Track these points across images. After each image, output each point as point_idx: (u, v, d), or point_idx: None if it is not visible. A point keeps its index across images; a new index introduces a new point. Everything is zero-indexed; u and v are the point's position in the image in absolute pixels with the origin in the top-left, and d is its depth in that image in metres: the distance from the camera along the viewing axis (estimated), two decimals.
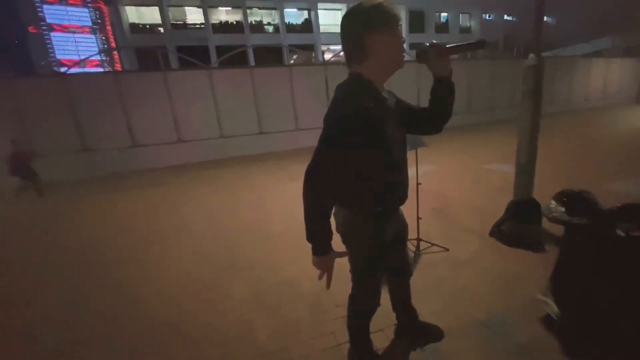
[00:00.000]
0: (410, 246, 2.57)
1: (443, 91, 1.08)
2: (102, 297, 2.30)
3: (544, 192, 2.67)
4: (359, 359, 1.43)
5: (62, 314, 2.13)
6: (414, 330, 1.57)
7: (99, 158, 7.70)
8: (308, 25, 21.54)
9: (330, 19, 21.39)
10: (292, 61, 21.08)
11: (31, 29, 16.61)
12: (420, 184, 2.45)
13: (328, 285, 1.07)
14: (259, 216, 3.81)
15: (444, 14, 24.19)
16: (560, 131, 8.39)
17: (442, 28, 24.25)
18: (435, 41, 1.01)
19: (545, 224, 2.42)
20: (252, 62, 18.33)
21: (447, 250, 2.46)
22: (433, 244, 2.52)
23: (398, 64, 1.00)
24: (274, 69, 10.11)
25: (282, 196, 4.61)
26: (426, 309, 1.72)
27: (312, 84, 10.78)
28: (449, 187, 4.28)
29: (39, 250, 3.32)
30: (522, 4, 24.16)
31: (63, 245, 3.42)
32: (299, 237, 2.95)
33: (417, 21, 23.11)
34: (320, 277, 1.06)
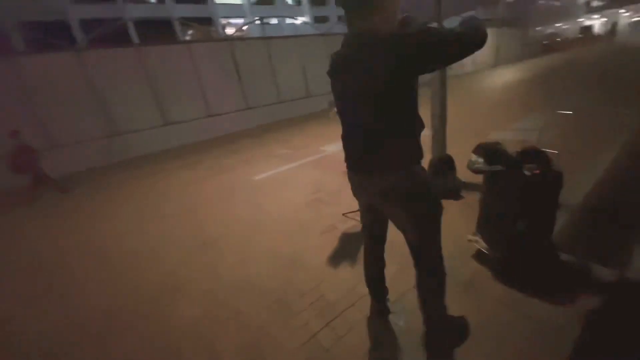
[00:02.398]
0: (356, 216, 2.65)
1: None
2: None
3: (452, 149, 3.09)
4: (459, 333, 1.38)
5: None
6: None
7: None
8: None
9: None
10: (187, 37, 18.53)
11: None
12: None
13: None
14: (190, 222, 3.34)
15: None
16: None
17: None
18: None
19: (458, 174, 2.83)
20: (135, 39, 15.30)
21: None
22: None
23: (397, 19, 1.04)
24: (169, 48, 8.65)
25: (214, 194, 4.16)
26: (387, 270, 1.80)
27: (219, 63, 9.75)
28: None
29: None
30: None
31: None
32: (240, 238, 2.76)
33: None
34: None
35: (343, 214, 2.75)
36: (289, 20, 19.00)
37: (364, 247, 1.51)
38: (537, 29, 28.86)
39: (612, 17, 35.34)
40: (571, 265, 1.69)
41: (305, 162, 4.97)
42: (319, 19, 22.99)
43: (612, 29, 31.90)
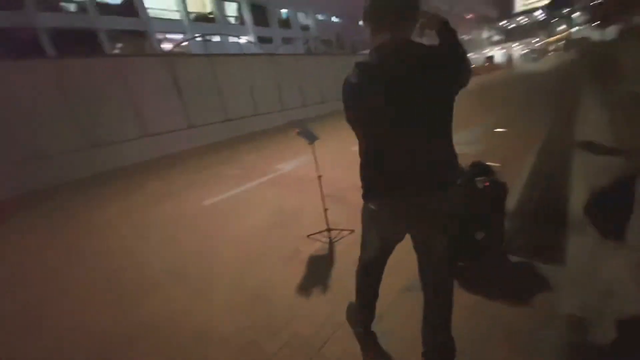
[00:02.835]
0: (322, 237, 2.57)
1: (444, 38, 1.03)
2: None
3: None
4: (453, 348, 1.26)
5: None
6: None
7: None
8: (130, 7, 17.63)
9: (161, 2, 18.25)
10: (116, 51, 16.93)
11: None
12: (321, 175, 2.44)
13: None
14: (128, 260, 2.84)
15: (284, 10, 25.64)
16: None
17: (285, 24, 25.74)
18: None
19: None
20: (51, 50, 13.36)
21: (353, 231, 2.60)
22: (340, 230, 2.61)
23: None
24: (95, 61, 7.73)
25: (156, 224, 3.65)
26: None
27: (157, 79, 9.04)
28: (332, 173, 4.63)
29: None
30: (346, 9, 29.10)
31: None
32: (193, 275, 2.40)
33: (261, 15, 23.49)
34: None
35: (308, 236, 2.63)
36: (232, 39, 18.78)
37: (362, 275, 1.40)
38: None
39: (508, 50, 43.74)
40: (521, 266, 1.86)
41: (260, 182, 4.76)
42: (262, 39, 23.28)
43: (509, 59, 39.22)
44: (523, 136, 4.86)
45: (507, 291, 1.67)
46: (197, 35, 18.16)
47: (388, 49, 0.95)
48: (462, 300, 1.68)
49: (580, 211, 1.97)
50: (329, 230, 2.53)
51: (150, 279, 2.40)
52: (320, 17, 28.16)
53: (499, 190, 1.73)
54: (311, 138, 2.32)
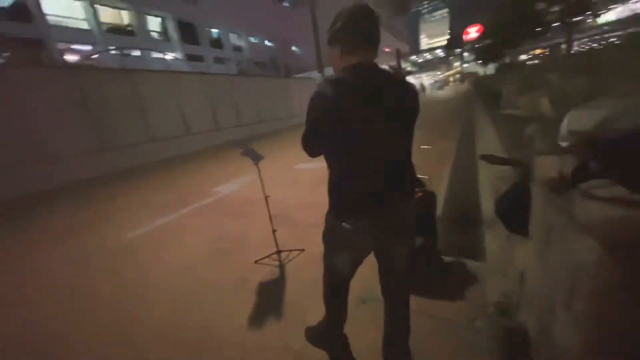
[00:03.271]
0: (271, 261, 2.45)
1: None
2: None
3: None
4: None
5: None
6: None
7: None
8: (24, 11, 14.90)
9: (62, 9, 15.88)
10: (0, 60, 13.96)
11: None
12: (268, 196, 2.36)
13: None
14: (31, 313, 2.19)
15: (214, 30, 25.13)
16: None
17: (217, 44, 25.18)
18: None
19: None
20: None
21: (303, 250, 2.57)
22: (290, 250, 2.54)
23: None
24: None
25: (63, 266, 2.96)
26: (317, 310, 1.68)
27: (59, 95, 7.71)
28: (276, 192, 4.55)
29: None
30: (278, 35, 30.14)
31: None
32: (121, 322, 2.00)
33: (191, 33, 22.53)
34: None
35: (255, 262, 2.48)
36: (156, 55, 17.42)
37: (333, 297, 1.35)
38: None
39: (420, 80, 51.54)
40: (453, 264, 2.10)
41: (196, 207, 4.35)
42: (193, 57, 22.24)
43: (422, 86, 46.11)
44: (440, 152, 5.66)
45: (444, 289, 1.85)
46: (110, 48, 16.26)
47: (366, 71, 0.98)
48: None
49: (491, 213, 2.35)
50: (278, 252, 2.44)
51: (58, 337, 1.89)
52: (253, 39, 28.50)
53: (430, 199, 1.96)
54: (256, 158, 2.25)
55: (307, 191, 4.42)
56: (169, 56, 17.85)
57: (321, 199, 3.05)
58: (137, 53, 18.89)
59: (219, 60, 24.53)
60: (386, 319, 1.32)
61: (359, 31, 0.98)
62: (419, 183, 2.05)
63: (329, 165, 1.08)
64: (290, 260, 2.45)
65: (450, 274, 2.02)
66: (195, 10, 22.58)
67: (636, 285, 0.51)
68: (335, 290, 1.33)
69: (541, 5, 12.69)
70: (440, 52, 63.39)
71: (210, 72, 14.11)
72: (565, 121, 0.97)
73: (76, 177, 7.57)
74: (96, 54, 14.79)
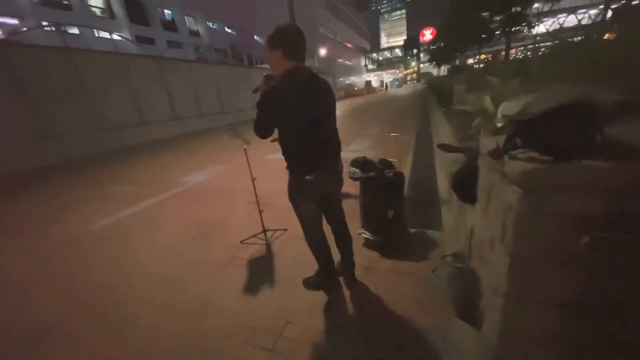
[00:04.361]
0: (257, 240, 2.61)
1: None
2: None
3: None
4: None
5: None
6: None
7: None
8: None
9: None
10: None
11: None
12: (255, 179, 2.51)
13: None
14: None
15: (167, 12, 23.23)
16: None
17: (171, 26, 23.34)
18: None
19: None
20: None
21: (286, 229, 2.76)
22: (275, 230, 2.71)
23: None
24: None
25: (18, 265, 2.75)
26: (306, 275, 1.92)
27: None
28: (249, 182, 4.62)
29: None
30: (239, 22, 28.79)
31: None
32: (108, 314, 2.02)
33: (139, 12, 20.50)
34: None
35: (241, 242, 2.61)
36: (102, 34, 15.66)
37: (316, 232, 1.75)
38: (340, 79, 38.83)
39: (380, 77, 53.59)
40: (417, 234, 2.47)
41: (165, 197, 4.24)
42: (143, 39, 20.34)
43: (383, 84, 48.12)
44: (404, 142, 6.20)
45: (411, 253, 2.21)
46: (44, 23, 14.21)
47: (308, 73, 1.46)
48: (382, 266, 2.12)
49: (446, 192, 2.79)
50: (264, 231, 2.60)
51: (55, 322, 1.85)
52: (212, 25, 26.93)
53: (400, 179, 2.29)
54: (245, 140, 2.36)
55: (280, 179, 4.52)
56: (116, 36, 16.18)
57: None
58: (74, 31, 16.72)
59: (173, 45, 22.80)
60: (338, 243, 1.92)
61: (302, 44, 1.44)
62: (390, 164, 2.37)
63: (285, 140, 1.52)
64: (275, 240, 2.63)
65: (415, 241, 2.39)
66: None
67: (545, 214, 0.85)
68: (313, 232, 1.74)
69: (485, 14, 14.18)
70: (398, 51, 66.42)
71: (168, 57, 13.13)
72: (500, 109, 1.32)
73: (16, 168, 6.68)
74: (25, 29, 12.80)
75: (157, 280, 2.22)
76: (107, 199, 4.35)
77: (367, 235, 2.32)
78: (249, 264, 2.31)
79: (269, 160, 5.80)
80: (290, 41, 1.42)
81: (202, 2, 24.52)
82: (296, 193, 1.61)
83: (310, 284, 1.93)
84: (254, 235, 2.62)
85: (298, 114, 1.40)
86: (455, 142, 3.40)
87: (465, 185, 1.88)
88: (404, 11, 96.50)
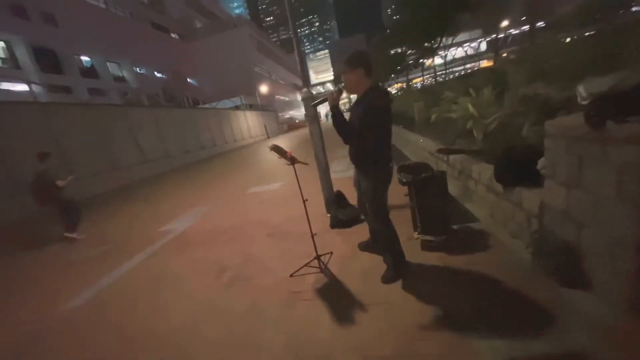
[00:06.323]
0: (309, 270, 2.36)
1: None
2: None
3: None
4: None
5: None
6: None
7: None
8: None
9: None
10: None
11: None
12: (307, 200, 2.32)
13: None
14: None
15: (85, 59, 21.21)
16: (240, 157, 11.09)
17: (91, 73, 21.24)
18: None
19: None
20: None
21: (331, 253, 2.55)
22: (324, 254, 2.48)
23: None
24: None
25: None
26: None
27: None
28: (251, 215, 4.25)
29: None
30: (170, 67, 27.80)
31: None
32: None
33: (52, 61, 18.27)
34: None
35: (291, 275, 2.31)
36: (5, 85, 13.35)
37: (388, 217, 2.01)
38: (280, 114, 40.05)
39: (321, 108, 57.21)
40: (461, 229, 2.54)
41: (151, 253, 3.57)
42: (59, 89, 17.94)
43: (325, 115, 51.14)
44: None
45: (474, 247, 2.24)
46: None
47: (383, 89, 1.96)
48: (455, 263, 2.10)
49: (456, 192, 3.02)
50: (318, 257, 2.36)
51: None
52: (140, 70, 25.39)
53: (443, 178, 2.39)
54: (290, 159, 2.19)
55: (281, 208, 4.29)
56: (19, 87, 14.00)
57: (301, 212, 2.73)
58: None
59: (95, 92, 20.66)
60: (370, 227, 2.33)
61: (372, 65, 1.83)
62: (429, 167, 2.47)
63: (380, 140, 1.85)
64: (327, 264, 2.40)
65: (468, 236, 2.43)
66: (56, 34, 18.65)
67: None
68: (388, 220, 2.00)
69: (401, 50, 16.77)
70: (330, 86, 72.51)
71: (95, 103, 11.77)
72: (580, 89, 1.55)
73: None
74: None
75: (222, 348, 1.78)
76: (74, 265, 3.44)
77: (428, 237, 2.31)
78: (318, 295, 2.04)
79: (254, 194, 5.46)
80: (369, 63, 1.78)
81: (125, 48, 23.21)
82: (386, 180, 1.92)
83: (389, 278, 2.02)
84: (306, 265, 2.36)
85: (389, 120, 1.86)
86: (444, 147, 3.78)
87: (519, 170, 2.09)
88: (327, 50, 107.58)
